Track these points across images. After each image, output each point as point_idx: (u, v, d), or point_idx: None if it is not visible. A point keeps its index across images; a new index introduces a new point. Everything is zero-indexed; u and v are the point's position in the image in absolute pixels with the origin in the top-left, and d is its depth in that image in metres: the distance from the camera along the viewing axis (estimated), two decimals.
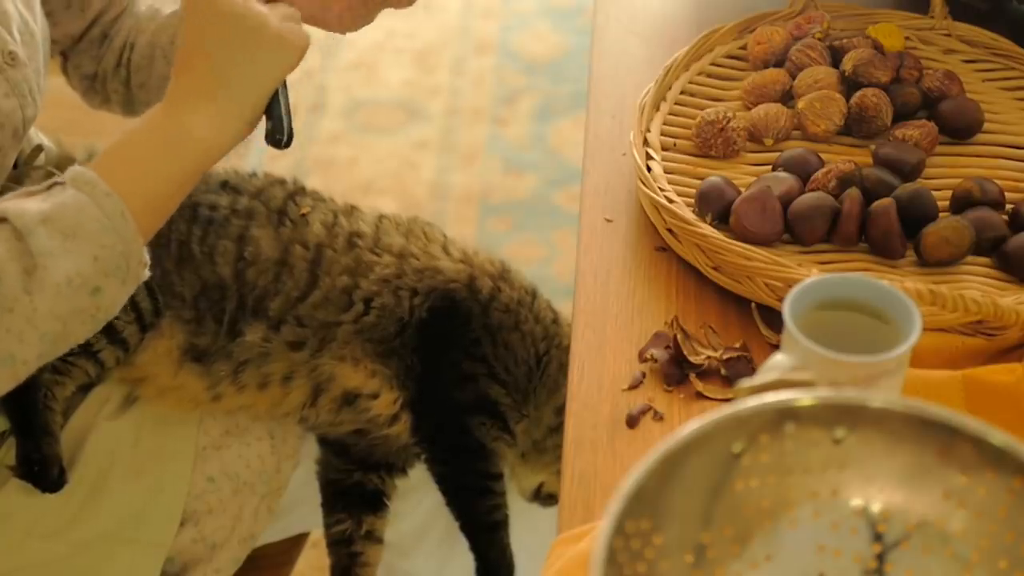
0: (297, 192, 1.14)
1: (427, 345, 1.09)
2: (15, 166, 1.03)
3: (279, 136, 0.94)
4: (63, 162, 1.09)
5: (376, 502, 1.16)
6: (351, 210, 1.13)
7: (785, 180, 1.03)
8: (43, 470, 1.00)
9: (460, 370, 1.10)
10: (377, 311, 1.08)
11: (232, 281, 1.07)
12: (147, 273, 0.89)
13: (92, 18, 1.13)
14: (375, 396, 1.09)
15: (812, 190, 1.03)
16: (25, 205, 0.86)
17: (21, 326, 0.84)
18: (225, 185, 1.13)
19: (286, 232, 1.08)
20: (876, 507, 0.64)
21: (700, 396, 0.90)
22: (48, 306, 0.84)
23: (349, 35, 1.11)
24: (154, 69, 1.14)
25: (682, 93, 1.16)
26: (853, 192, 1.00)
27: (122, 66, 1.15)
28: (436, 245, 1.13)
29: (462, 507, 1.13)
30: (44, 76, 1.04)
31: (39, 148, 1.07)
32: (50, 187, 0.87)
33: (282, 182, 1.15)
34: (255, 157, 2.56)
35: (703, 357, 0.92)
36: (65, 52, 1.16)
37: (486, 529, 1.12)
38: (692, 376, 0.92)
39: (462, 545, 1.13)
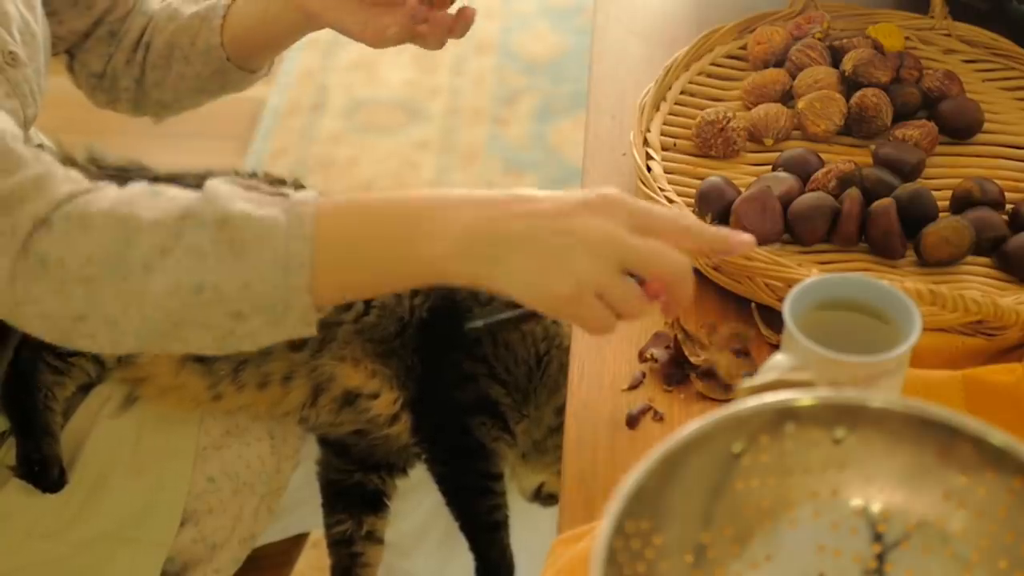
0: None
1: (427, 345, 1.09)
2: None
3: (477, 326, 0.86)
4: (63, 162, 1.09)
5: (376, 502, 1.16)
6: None
7: (785, 180, 1.03)
8: (43, 470, 1.00)
9: (461, 370, 1.10)
10: (377, 311, 1.08)
11: None
12: (308, 331, 0.79)
13: (98, 16, 1.14)
14: (375, 396, 1.09)
15: (812, 190, 1.03)
16: (230, 193, 0.77)
17: (127, 298, 0.76)
18: None
19: None
20: (876, 507, 0.64)
21: (700, 396, 0.90)
22: (159, 296, 0.76)
23: None
24: (172, 69, 1.14)
25: (682, 93, 1.16)
26: (853, 192, 1.00)
27: (134, 64, 1.15)
28: None
29: (462, 507, 1.12)
30: (44, 76, 1.04)
31: (39, 148, 1.07)
32: (273, 193, 0.79)
33: (282, 182, 1.15)
34: (255, 157, 2.56)
35: (702, 358, 0.92)
36: (71, 50, 1.16)
37: (486, 529, 1.12)
38: (692, 376, 0.92)
39: (462, 545, 1.13)
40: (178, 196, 0.78)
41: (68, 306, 0.77)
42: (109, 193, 0.79)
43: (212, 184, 0.78)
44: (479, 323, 0.85)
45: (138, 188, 0.80)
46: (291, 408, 1.08)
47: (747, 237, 0.79)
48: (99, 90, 1.19)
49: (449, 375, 1.10)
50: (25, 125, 1.00)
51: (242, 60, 1.14)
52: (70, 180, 0.80)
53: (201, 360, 1.05)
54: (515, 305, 0.80)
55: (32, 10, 1.01)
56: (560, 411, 1.04)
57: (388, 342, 1.08)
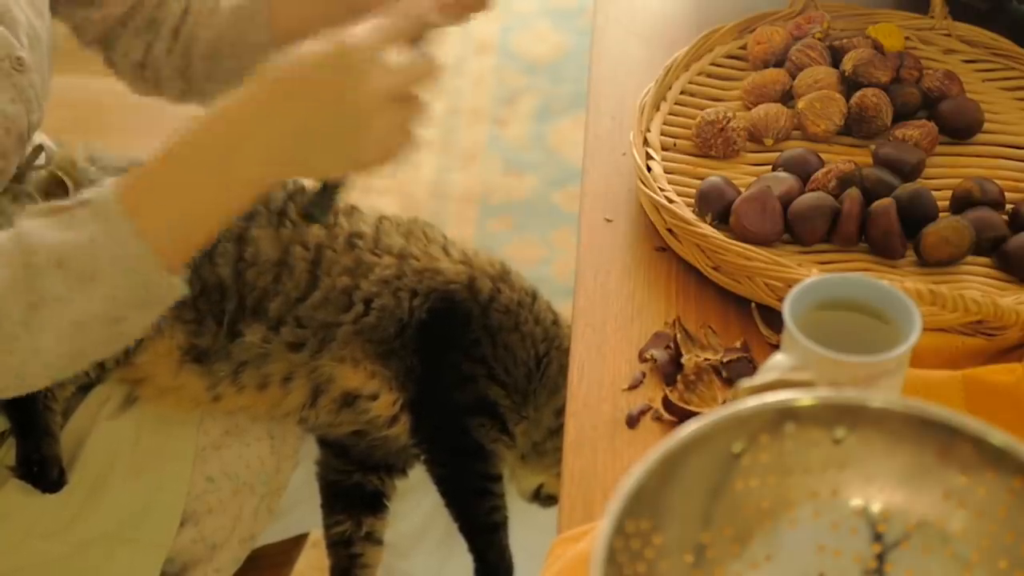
0: (296, 192, 1.14)
1: (427, 346, 1.09)
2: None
3: (317, 214, 0.90)
4: (63, 163, 1.09)
5: (376, 503, 1.16)
6: (351, 210, 1.13)
7: (785, 180, 1.03)
8: (43, 471, 1.00)
9: (460, 371, 1.10)
10: (377, 312, 1.08)
11: (232, 282, 1.06)
12: (179, 295, 0.85)
13: (134, 1, 1.12)
14: (374, 397, 1.09)
15: (812, 190, 1.03)
16: (45, 236, 0.81)
17: (21, 361, 0.82)
18: None
19: (286, 233, 1.08)
20: (876, 507, 0.64)
21: (667, 404, 0.90)
22: (52, 345, 0.82)
23: None
24: (221, 64, 1.13)
25: (682, 93, 1.16)
26: (853, 192, 1.00)
27: (175, 54, 1.14)
28: (436, 246, 1.13)
29: (461, 508, 1.12)
30: (48, 81, 1.04)
31: (39, 148, 1.07)
32: (75, 207, 0.82)
33: (282, 183, 1.15)
34: None
35: (693, 364, 0.91)
36: (107, 40, 1.14)
37: (485, 530, 1.12)
38: (677, 377, 0.91)
39: (461, 545, 1.13)
40: (4, 251, 0.82)
41: None
42: None
43: (24, 229, 0.82)
44: (315, 211, 0.91)
45: None
46: (291, 409, 1.08)
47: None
48: (141, 80, 1.17)
49: (448, 376, 1.10)
50: (29, 130, 1.00)
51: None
52: None
53: (200, 361, 1.05)
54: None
55: (40, 15, 1.01)
56: (559, 413, 1.04)
57: (387, 343, 1.08)
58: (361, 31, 0.82)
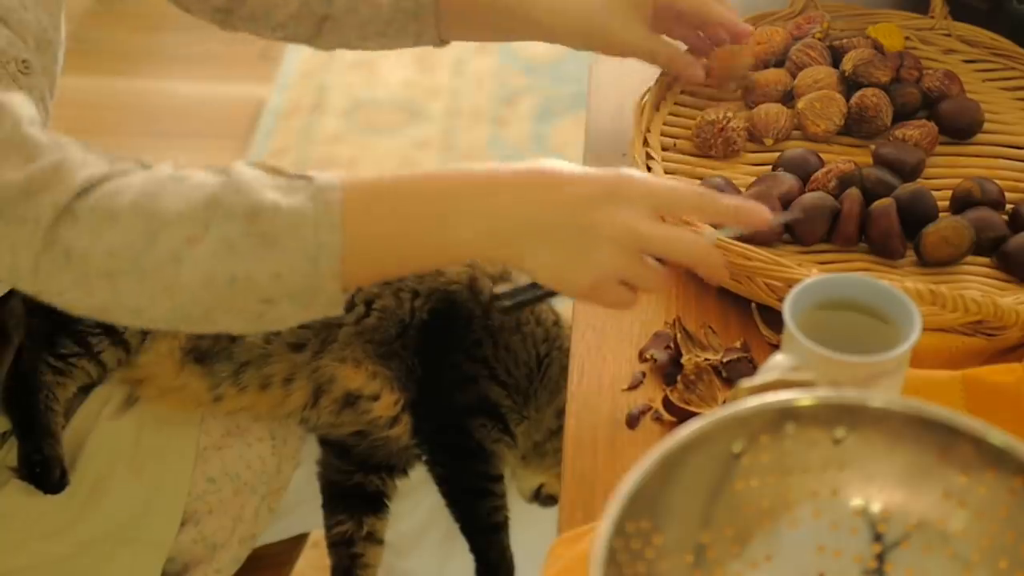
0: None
1: (428, 346, 1.09)
2: None
3: (506, 302, 0.85)
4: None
5: (377, 503, 1.16)
6: None
7: (785, 180, 1.03)
8: (45, 471, 1.00)
9: (461, 371, 1.10)
10: (378, 313, 1.08)
11: None
12: (335, 312, 0.80)
13: None
14: (376, 398, 1.09)
15: (812, 190, 1.03)
16: (253, 185, 0.77)
17: (153, 291, 0.76)
18: None
19: None
20: (876, 507, 0.64)
21: (667, 404, 0.90)
22: (190, 287, 0.76)
23: None
24: (369, 40, 1.13)
25: (682, 93, 1.16)
26: (853, 192, 1.00)
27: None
28: None
29: (462, 509, 1.13)
30: (56, 83, 1.04)
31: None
32: (295, 176, 0.79)
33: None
34: (255, 157, 2.56)
35: (693, 364, 0.91)
36: None
37: (486, 531, 1.12)
38: (677, 377, 0.91)
39: (462, 545, 1.13)
40: (205, 183, 0.77)
41: (91, 298, 0.77)
42: (134, 181, 0.77)
43: (238, 170, 0.78)
44: (507, 301, 0.85)
45: (163, 174, 0.78)
46: (292, 409, 1.09)
47: (763, 211, 0.82)
48: (231, 11, 1.14)
49: (449, 376, 1.10)
50: None
51: (455, 38, 1.14)
52: (88, 164, 0.78)
53: (202, 361, 1.06)
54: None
55: (51, 16, 1.01)
56: (560, 414, 1.04)
57: (389, 343, 1.08)
58: (662, 180, 0.82)
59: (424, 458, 1.13)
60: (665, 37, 1.10)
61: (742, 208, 0.82)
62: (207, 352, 1.06)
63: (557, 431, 1.11)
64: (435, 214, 0.79)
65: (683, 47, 1.12)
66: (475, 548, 1.12)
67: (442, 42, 1.14)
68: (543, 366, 1.12)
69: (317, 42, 1.16)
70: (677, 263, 0.82)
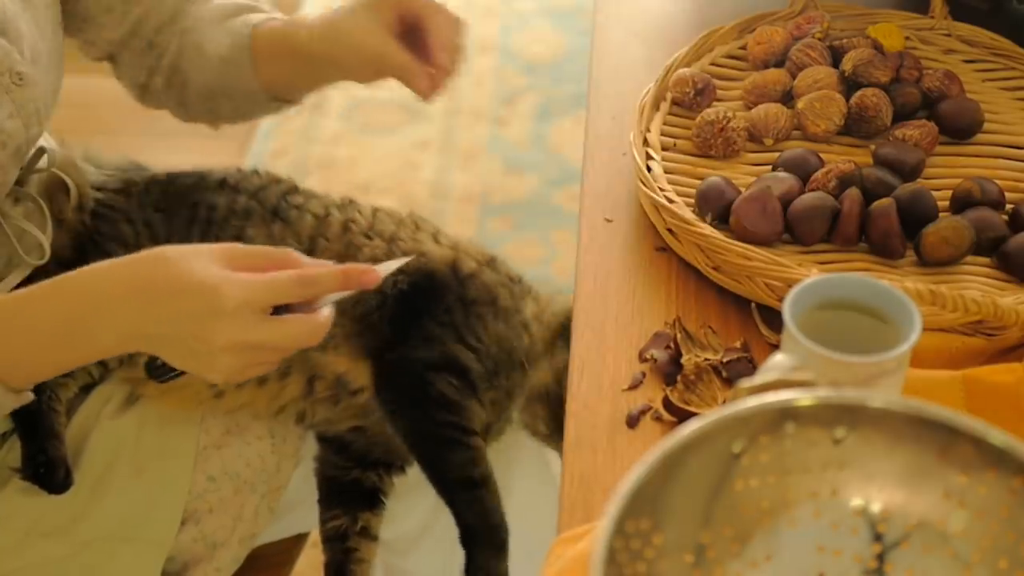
0: (291, 191, 1.14)
1: (402, 314, 1.09)
2: None
3: (152, 371, 0.91)
4: (64, 163, 1.09)
5: (373, 499, 1.16)
6: (348, 203, 1.15)
7: (785, 180, 1.03)
8: (49, 472, 1.00)
9: (426, 332, 1.09)
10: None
11: None
12: (21, 404, 0.91)
13: (132, 25, 1.14)
14: (364, 388, 1.08)
15: (812, 190, 1.03)
16: None
17: None
18: (223, 184, 1.14)
19: (278, 228, 1.09)
20: (876, 507, 0.64)
21: (667, 404, 0.90)
22: None
23: None
24: (218, 103, 1.18)
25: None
26: (853, 192, 1.00)
27: (173, 88, 1.18)
28: (426, 234, 1.14)
29: (430, 462, 1.08)
30: (53, 94, 1.04)
31: (41, 150, 1.06)
32: None
33: (278, 180, 1.16)
34: (255, 157, 2.56)
35: (693, 364, 0.91)
36: (114, 58, 1.18)
37: (460, 486, 1.07)
38: (677, 377, 0.91)
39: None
40: None
41: None
42: None
43: None
44: (160, 375, 0.92)
45: None
46: (289, 401, 1.08)
47: (369, 271, 0.88)
48: (144, 99, 1.22)
49: (415, 337, 1.09)
50: (28, 145, 1.00)
51: (286, 95, 1.19)
52: None
53: None
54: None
55: (40, 28, 1.01)
56: (558, 377, 1.05)
57: (366, 318, 1.08)
58: (250, 283, 0.84)
59: (388, 416, 1.09)
60: (400, 46, 1.07)
61: (349, 273, 0.87)
62: None
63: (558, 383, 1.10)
64: (66, 339, 0.87)
65: None
66: (453, 508, 1.07)
67: (279, 101, 1.17)
68: (519, 343, 1.12)
69: (194, 114, 1.21)
70: (291, 352, 0.90)
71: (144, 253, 0.87)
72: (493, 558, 1.07)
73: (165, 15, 1.16)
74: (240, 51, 1.13)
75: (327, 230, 1.10)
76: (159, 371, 0.90)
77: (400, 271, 1.07)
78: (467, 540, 1.07)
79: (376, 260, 1.09)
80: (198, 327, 0.84)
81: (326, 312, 0.87)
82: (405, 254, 1.09)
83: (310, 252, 1.07)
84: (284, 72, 1.15)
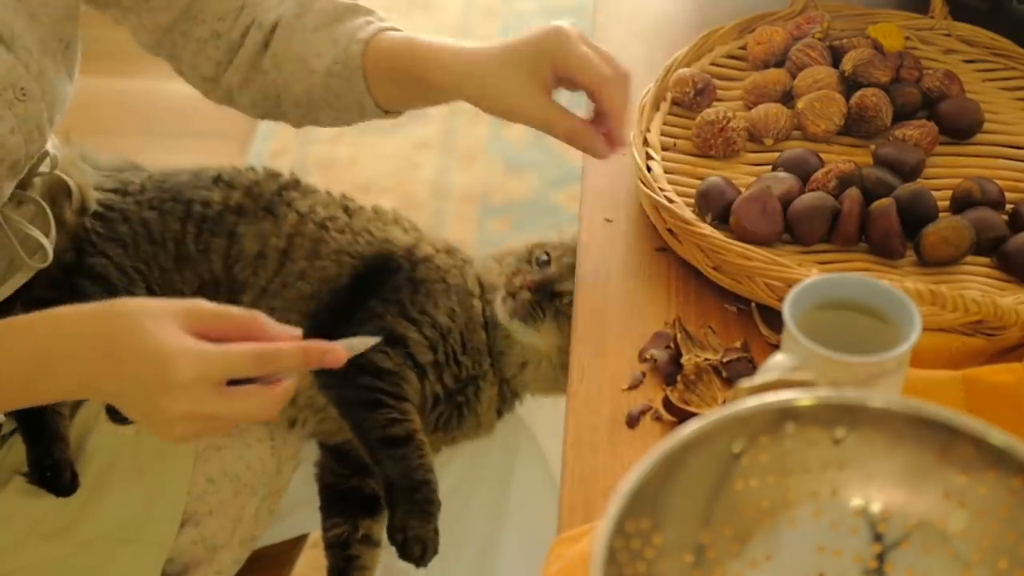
0: (288, 186, 1.15)
1: (353, 295, 1.10)
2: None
3: (122, 419, 0.92)
4: (65, 164, 1.09)
5: (374, 506, 1.16)
6: (342, 199, 1.16)
7: (785, 180, 1.03)
8: (56, 475, 1.00)
9: (369, 311, 1.10)
10: (317, 281, 1.10)
11: (224, 277, 1.08)
12: None
13: (183, 7, 1.07)
14: None
15: (812, 190, 1.03)
16: None
17: None
18: (218, 180, 1.14)
19: (266, 226, 1.10)
20: (876, 507, 0.64)
21: (667, 404, 0.90)
22: None
23: None
24: (317, 112, 1.10)
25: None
26: (853, 192, 1.00)
27: (253, 86, 1.10)
28: (397, 227, 1.17)
29: (355, 424, 1.09)
30: (58, 110, 1.02)
31: (44, 154, 1.06)
32: None
33: (276, 176, 1.16)
34: (255, 157, 2.56)
35: (693, 364, 0.91)
36: (172, 49, 1.10)
37: (381, 443, 1.07)
38: (677, 377, 0.91)
39: (462, 546, 1.13)
40: None
41: None
42: None
43: None
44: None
45: None
46: None
47: (332, 348, 0.85)
48: (212, 94, 1.13)
49: (358, 316, 1.10)
50: (27, 159, 1.00)
51: (397, 109, 1.13)
52: None
53: None
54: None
55: (45, 44, 0.99)
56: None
57: (317, 298, 1.09)
58: (205, 356, 0.81)
59: (321, 386, 1.10)
60: (563, 107, 1.00)
61: (310, 351, 0.84)
62: None
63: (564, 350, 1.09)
64: (28, 378, 0.85)
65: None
66: (375, 464, 1.08)
67: (387, 112, 1.10)
68: (472, 307, 1.13)
69: (281, 117, 1.14)
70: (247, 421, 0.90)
71: (108, 305, 0.85)
72: (413, 517, 1.06)
73: (227, 1, 1.08)
74: (350, 68, 1.05)
75: (305, 227, 1.11)
76: (118, 416, 0.91)
77: (358, 256, 1.09)
78: (388, 498, 1.08)
79: (340, 251, 1.11)
80: (151, 394, 0.82)
81: (286, 384, 0.84)
82: (370, 243, 1.11)
83: (287, 251, 1.08)
84: (404, 95, 1.08)
